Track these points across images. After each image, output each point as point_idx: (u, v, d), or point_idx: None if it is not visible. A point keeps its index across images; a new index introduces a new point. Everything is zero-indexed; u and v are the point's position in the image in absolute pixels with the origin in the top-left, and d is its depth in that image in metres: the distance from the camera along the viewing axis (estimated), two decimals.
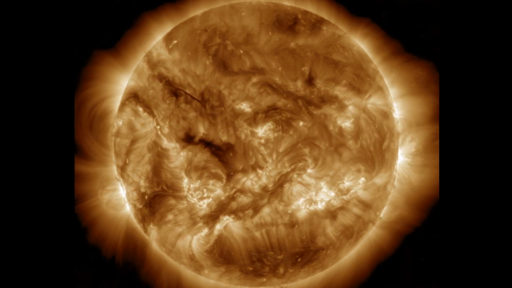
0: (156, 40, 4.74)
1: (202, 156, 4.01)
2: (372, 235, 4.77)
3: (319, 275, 4.79)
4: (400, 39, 4.78)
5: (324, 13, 4.76)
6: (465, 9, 4.11)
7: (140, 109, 4.32)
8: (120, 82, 4.79)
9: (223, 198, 4.09)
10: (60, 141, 4.11)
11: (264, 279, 4.49)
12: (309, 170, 4.09)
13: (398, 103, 4.74)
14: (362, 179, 4.27)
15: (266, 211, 4.12)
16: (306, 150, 4.04)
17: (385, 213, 4.75)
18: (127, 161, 4.36)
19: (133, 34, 4.78)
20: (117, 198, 4.75)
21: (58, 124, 4.11)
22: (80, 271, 4.79)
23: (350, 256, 4.78)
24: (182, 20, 4.71)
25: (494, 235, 3.97)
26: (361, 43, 4.75)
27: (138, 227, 4.67)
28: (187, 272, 4.71)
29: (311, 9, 4.74)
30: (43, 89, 4.08)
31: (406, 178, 4.77)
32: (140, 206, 4.39)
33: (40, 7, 4.11)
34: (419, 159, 4.73)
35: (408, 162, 4.76)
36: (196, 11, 4.73)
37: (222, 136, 4.01)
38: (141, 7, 4.79)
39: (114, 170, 4.72)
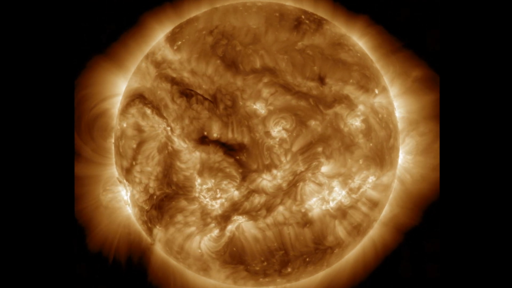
0: (155, 40, 4.70)
1: (215, 156, 4.00)
2: (371, 233, 4.82)
3: (319, 274, 4.82)
4: (398, 37, 4.83)
5: (321, 11, 4.78)
6: (465, 7, 4.16)
7: (148, 110, 4.27)
8: (118, 83, 4.75)
9: (236, 198, 4.09)
10: (60, 144, 4.07)
11: (269, 279, 4.49)
12: (322, 169, 4.11)
13: (397, 102, 4.79)
14: (372, 177, 4.31)
15: (278, 210, 4.12)
16: (319, 149, 4.06)
17: (385, 211, 4.80)
18: (134, 163, 4.31)
19: (131, 35, 4.74)
20: (118, 200, 4.70)
21: (58, 127, 4.06)
22: (80, 274, 4.75)
23: (350, 255, 4.81)
24: (182, 20, 4.68)
25: (495, 234, 4.02)
26: (359, 41, 4.79)
27: (141, 228, 4.63)
28: (193, 274, 4.69)
29: (308, 7, 4.76)
30: (43, 90, 4.04)
31: (406, 176, 4.82)
32: (147, 208, 4.34)
33: (39, 9, 4.06)
34: (418, 157, 4.79)
35: (408, 161, 4.81)
36: (195, 12, 4.71)
37: (236, 136, 4.00)
38: (139, 7, 4.76)
39: (114, 172, 4.67)
